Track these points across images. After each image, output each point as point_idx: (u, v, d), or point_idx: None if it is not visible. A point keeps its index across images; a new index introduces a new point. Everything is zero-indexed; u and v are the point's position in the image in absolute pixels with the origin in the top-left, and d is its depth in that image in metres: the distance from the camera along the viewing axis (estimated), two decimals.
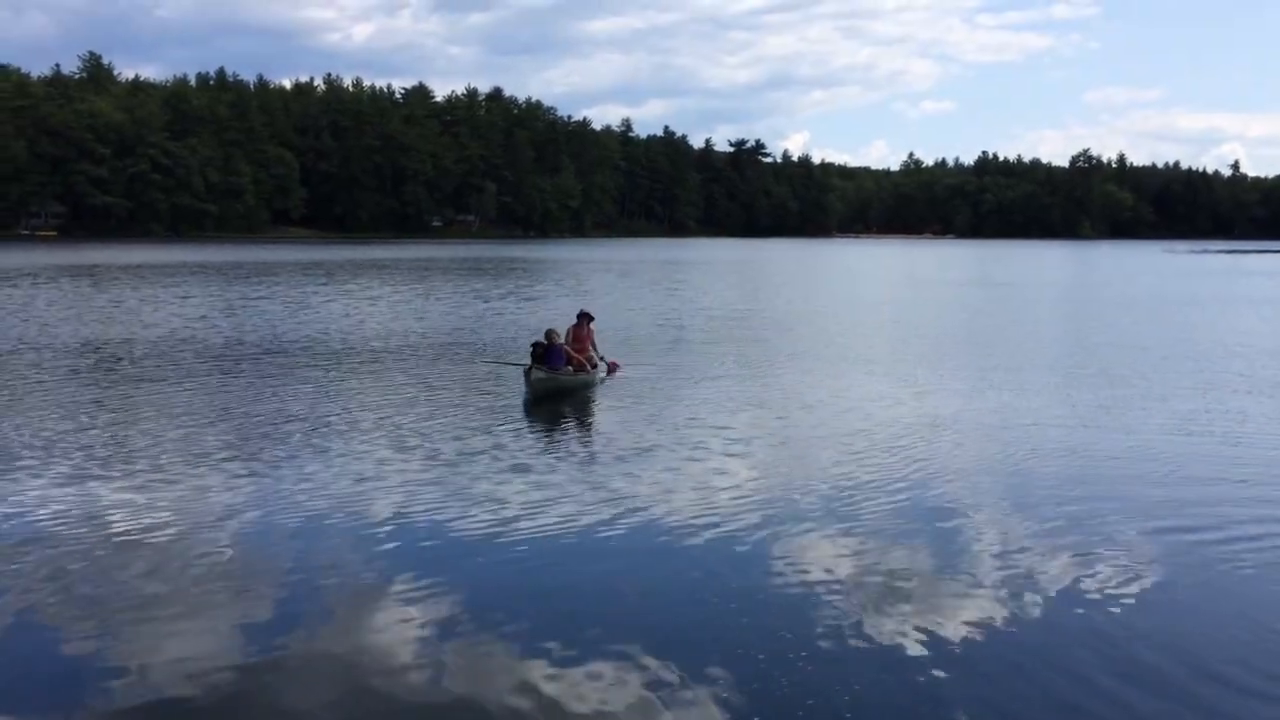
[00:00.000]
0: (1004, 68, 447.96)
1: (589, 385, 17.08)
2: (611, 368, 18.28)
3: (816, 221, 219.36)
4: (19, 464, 11.39)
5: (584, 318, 18.36)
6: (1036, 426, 14.07)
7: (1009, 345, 24.64)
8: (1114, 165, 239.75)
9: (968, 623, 7.18)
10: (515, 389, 16.29)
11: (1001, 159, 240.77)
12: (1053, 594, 7.73)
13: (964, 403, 15.89)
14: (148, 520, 9.28)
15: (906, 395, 16.57)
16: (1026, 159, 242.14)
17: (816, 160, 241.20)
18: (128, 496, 10.07)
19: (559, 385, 16.28)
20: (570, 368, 16.79)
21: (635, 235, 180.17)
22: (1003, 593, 7.75)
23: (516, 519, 9.43)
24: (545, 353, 16.39)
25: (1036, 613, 7.39)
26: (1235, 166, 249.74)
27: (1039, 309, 37.94)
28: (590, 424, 14.67)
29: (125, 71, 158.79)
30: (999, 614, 7.35)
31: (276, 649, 6.64)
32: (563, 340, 17.12)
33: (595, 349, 18.09)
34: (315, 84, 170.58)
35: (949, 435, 13.44)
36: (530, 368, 15.97)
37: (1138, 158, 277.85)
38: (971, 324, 30.33)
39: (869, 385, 17.61)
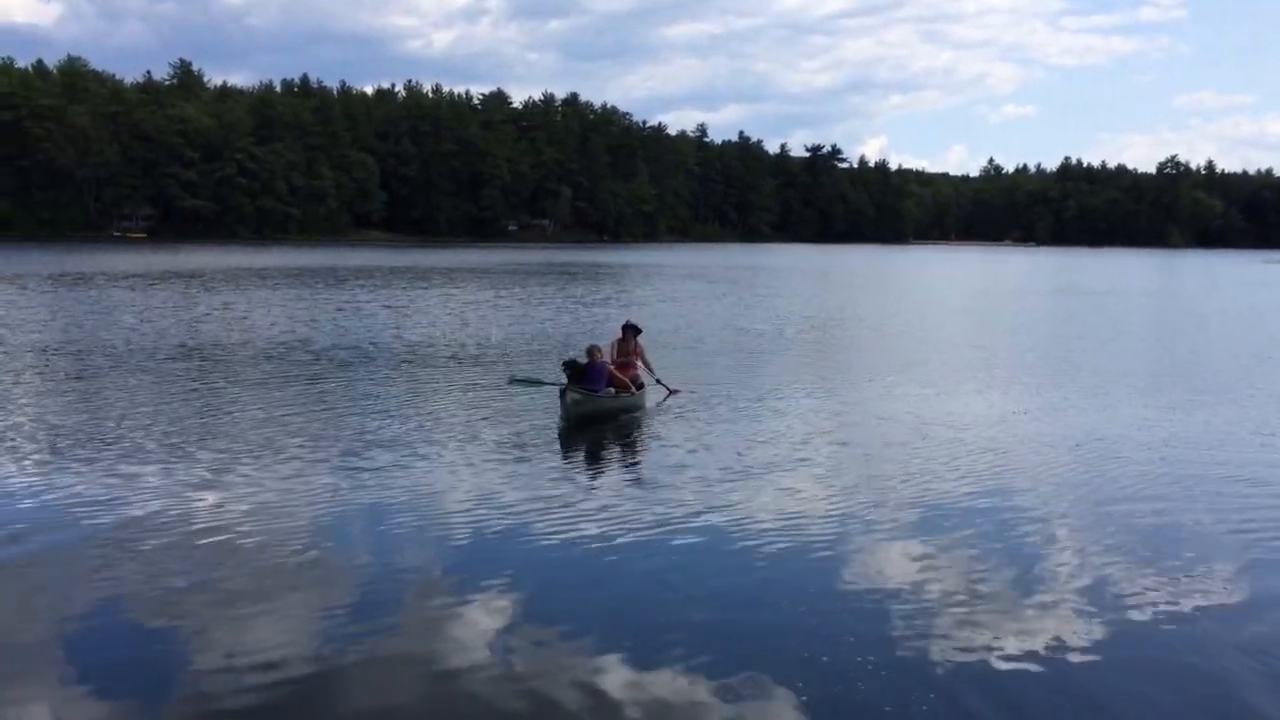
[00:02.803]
0: (1089, 71, 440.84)
1: (633, 408, 15.16)
2: (671, 392, 16.30)
3: (893, 228, 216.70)
4: (122, 457, 11.74)
5: (629, 330, 16.27)
6: (1166, 447, 13.27)
7: (1125, 358, 23.77)
8: (1203, 172, 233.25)
9: (1051, 637, 6.99)
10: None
11: (1085, 165, 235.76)
12: (1140, 612, 7.51)
13: (1085, 418, 15.21)
14: (233, 515, 9.48)
15: (1023, 407, 15.99)
16: (1111, 165, 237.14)
17: (894, 165, 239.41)
18: (217, 492, 10.29)
19: (598, 409, 14.47)
20: (612, 389, 14.97)
21: (708, 240, 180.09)
22: (1090, 609, 7.49)
23: (590, 525, 9.40)
24: (583, 371, 14.73)
25: (1120, 630, 7.16)
26: None
27: (1153, 320, 36.72)
28: (678, 432, 13.84)
29: (214, 78, 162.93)
30: (1083, 629, 7.15)
31: (352, 643, 6.77)
32: (607, 358, 15.32)
33: (649, 366, 16.24)
34: (396, 90, 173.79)
35: (1063, 452, 12.88)
36: (566, 388, 14.16)
37: (1228, 164, 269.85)
38: (1084, 336, 29.27)
39: (981, 399, 16.96)
